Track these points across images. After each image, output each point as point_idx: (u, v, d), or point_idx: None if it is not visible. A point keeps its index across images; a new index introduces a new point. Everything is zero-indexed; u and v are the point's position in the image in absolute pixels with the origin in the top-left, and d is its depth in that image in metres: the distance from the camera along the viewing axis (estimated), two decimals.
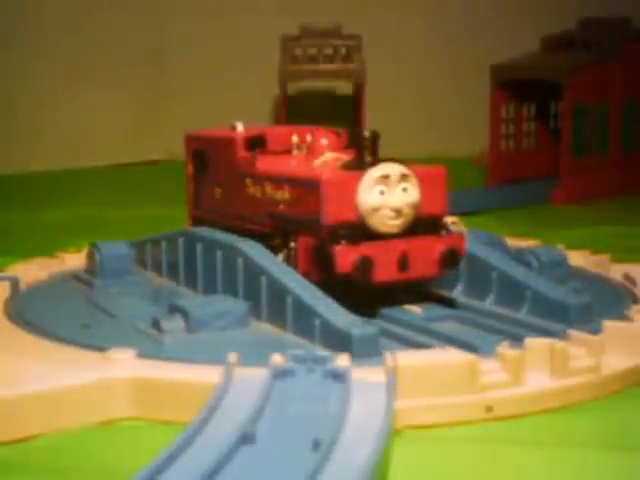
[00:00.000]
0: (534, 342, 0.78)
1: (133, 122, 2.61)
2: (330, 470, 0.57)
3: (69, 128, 2.50)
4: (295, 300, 0.85)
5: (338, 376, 0.71)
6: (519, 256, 1.02)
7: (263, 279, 0.89)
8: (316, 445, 0.60)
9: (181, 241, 1.04)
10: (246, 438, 0.61)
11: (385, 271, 0.87)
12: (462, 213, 1.70)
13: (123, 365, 0.76)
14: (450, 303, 0.94)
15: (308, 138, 1.01)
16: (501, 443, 0.69)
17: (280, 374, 0.72)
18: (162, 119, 2.65)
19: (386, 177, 0.87)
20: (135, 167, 2.55)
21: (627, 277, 1.06)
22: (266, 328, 0.88)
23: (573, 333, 0.81)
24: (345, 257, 0.85)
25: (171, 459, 0.58)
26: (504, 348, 0.76)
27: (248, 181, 1.00)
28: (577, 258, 1.15)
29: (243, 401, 0.67)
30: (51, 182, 2.24)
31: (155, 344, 0.84)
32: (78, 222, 1.67)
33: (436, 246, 0.89)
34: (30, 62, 2.42)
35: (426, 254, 0.88)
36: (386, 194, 0.87)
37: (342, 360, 0.73)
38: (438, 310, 0.92)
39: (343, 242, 0.86)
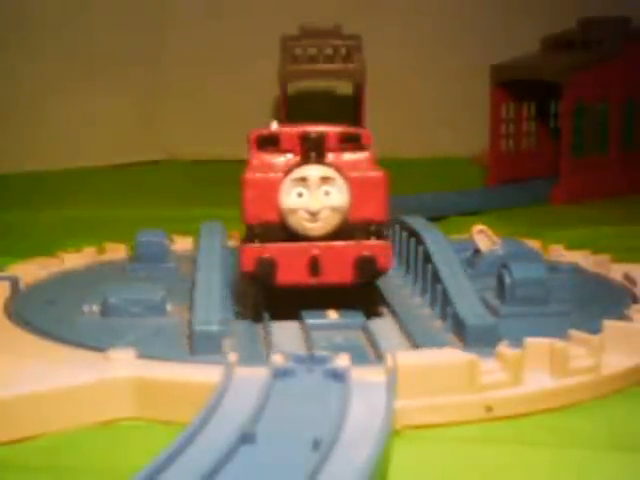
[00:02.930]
0: (534, 342, 0.78)
1: (133, 122, 2.61)
2: (330, 470, 0.57)
3: (69, 128, 2.49)
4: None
5: (338, 376, 0.71)
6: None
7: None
8: (316, 445, 0.60)
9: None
10: (246, 438, 0.61)
11: (292, 274, 0.86)
12: (462, 213, 1.71)
13: (123, 365, 0.76)
14: (375, 312, 0.92)
15: None
16: (501, 443, 0.69)
17: (280, 374, 0.72)
18: (162, 119, 2.65)
19: (304, 179, 0.86)
20: (135, 167, 2.55)
21: (627, 277, 1.06)
22: (178, 318, 0.90)
23: (573, 333, 0.81)
24: (249, 257, 0.86)
25: (171, 459, 0.58)
26: (504, 348, 0.76)
27: None
28: (577, 258, 1.16)
29: (243, 401, 0.67)
30: (51, 182, 2.24)
31: (71, 325, 0.89)
32: (78, 222, 1.67)
33: (352, 253, 0.86)
34: (30, 62, 2.42)
35: (340, 260, 0.86)
36: (305, 196, 0.86)
37: (342, 360, 0.73)
38: (354, 318, 0.89)
39: (256, 242, 0.86)
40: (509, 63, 2.05)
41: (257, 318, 0.90)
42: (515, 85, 2.06)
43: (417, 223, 1.09)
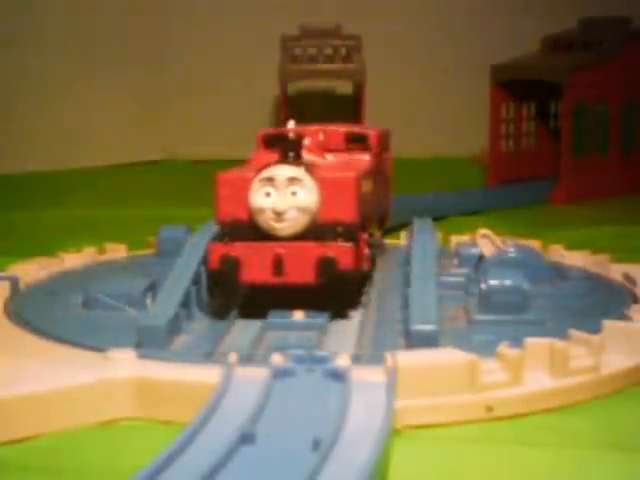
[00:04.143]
0: (534, 342, 0.78)
1: (133, 122, 2.61)
2: (330, 470, 0.57)
3: (69, 128, 2.50)
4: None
5: (338, 376, 0.71)
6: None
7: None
8: (316, 445, 0.60)
9: None
10: (246, 438, 0.61)
11: (256, 273, 0.87)
12: (462, 213, 1.71)
13: (123, 365, 0.76)
14: (343, 314, 0.92)
15: (320, 137, 1.01)
16: (501, 443, 0.69)
17: (280, 374, 0.72)
18: (162, 119, 2.65)
19: (271, 179, 0.86)
20: (135, 167, 2.55)
21: (627, 277, 1.06)
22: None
23: (573, 333, 0.81)
24: (214, 255, 0.87)
25: (171, 459, 0.58)
26: (504, 348, 0.76)
27: None
28: (577, 258, 1.16)
29: (243, 401, 0.67)
30: (51, 182, 2.24)
31: (51, 317, 0.92)
32: (78, 222, 1.67)
33: (314, 253, 0.86)
34: (30, 62, 2.42)
35: (302, 260, 0.86)
36: (272, 196, 0.86)
37: (342, 360, 0.73)
38: (317, 319, 0.89)
39: (225, 240, 0.87)
40: (509, 63, 2.05)
41: (222, 316, 0.91)
42: (515, 85, 2.06)
43: (418, 225, 1.09)
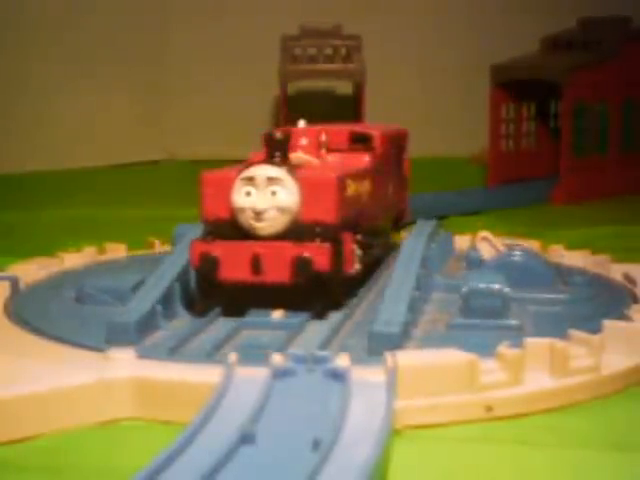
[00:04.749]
0: (534, 342, 0.78)
1: (133, 122, 2.61)
2: (330, 470, 0.57)
3: (69, 128, 2.50)
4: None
5: (338, 376, 0.71)
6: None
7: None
8: (316, 445, 0.60)
9: None
10: (246, 438, 0.61)
11: (235, 271, 0.87)
12: (462, 213, 1.71)
13: (123, 365, 0.76)
14: (322, 314, 0.91)
15: (323, 137, 1.01)
16: (501, 443, 0.69)
17: (280, 374, 0.72)
18: (162, 119, 2.65)
19: (252, 179, 0.87)
20: (135, 167, 2.55)
21: (627, 277, 1.06)
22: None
23: (573, 333, 0.81)
24: (195, 253, 0.88)
25: (171, 459, 0.58)
26: (504, 348, 0.76)
27: None
28: (577, 258, 1.15)
29: (243, 401, 0.67)
30: (51, 182, 2.24)
31: (45, 312, 0.94)
32: (78, 222, 1.67)
33: (290, 253, 0.86)
34: (30, 62, 2.42)
35: (279, 260, 0.87)
36: (252, 196, 0.87)
37: (342, 360, 0.73)
38: (294, 319, 0.89)
39: (208, 239, 0.88)
40: (509, 63, 2.05)
41: (202, 314, 0.91)
42: (515, 85, 2.06)
43: (419, 226, 1.09)
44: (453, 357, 0.74)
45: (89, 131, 2.53)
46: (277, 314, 0.90)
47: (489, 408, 0.73)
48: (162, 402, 0.74)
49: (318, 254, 0.86)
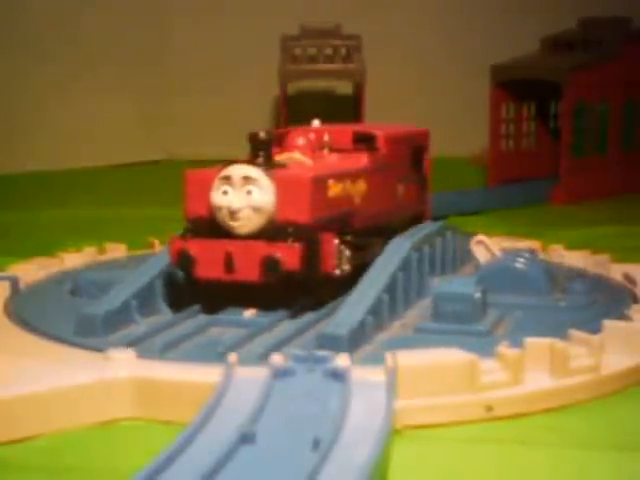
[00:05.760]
0: (534, 342, 0.78)
1: (133, 122, 2.61)
2: (330, 470, 0.57)
3: (69, 128, 2.50)
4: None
5: (338, 376, 0.71)
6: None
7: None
8: (316, 444, 0.60)
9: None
10: (246, 438, 0.61)
11: (209, 269, 0.88)
12: (462, 213, 1.71)
13: (123, 365, 0.76)
14: (292, 314, 0.91)
15: (325, 137, 1.01)
16: (501, 443, 0.69)
17: (280, 374, 0.72)
18: (162, 119, 2.65)
19: (227, 178, 0.88)
20: (135, 167, 2.55)
21: (627, 277, 1.06)
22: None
23: (573, 333, 0.81)
24: (173, 250, 0.89)
25: (171, 459, 0.58)
26: (504, 348, 0.76)
27: None
28: (577, 258, 1.15)
29: (243, 401, 0.67)
30: (51, 182, 2.24)
31: (44, 310, 0.95)
32: (78, 222, 1.67)
33: (260, 252, 0.87)
34: (30, 62, 2.42)
35: (250, 259, 0.87)
36: (229, 195, 0.88)
37: (342, 360, 0.73)
38: (263, 318, 0.89)
39: (187, 236, 0.89)
40: (509, 63, 2.05)
41: (178, 310, 0.92)
42: (515, 85, 2.06)
43: (419, 227, 1.09)
44: (453, 357, 0.74)
45: (89, 131, 2.52)
46: (249, 312, 0.91)
47: (489, 408, 0.73)
48: (162, 402, 0.74)
49: (288, 254, 0.86)
